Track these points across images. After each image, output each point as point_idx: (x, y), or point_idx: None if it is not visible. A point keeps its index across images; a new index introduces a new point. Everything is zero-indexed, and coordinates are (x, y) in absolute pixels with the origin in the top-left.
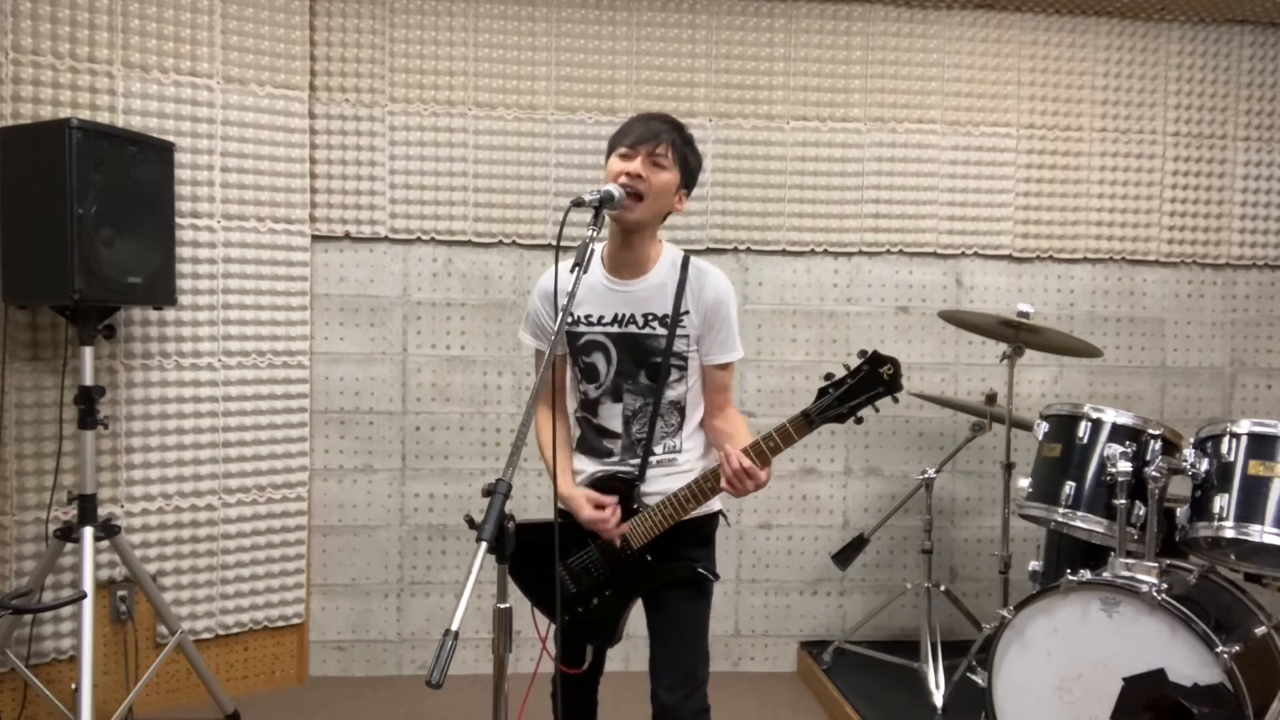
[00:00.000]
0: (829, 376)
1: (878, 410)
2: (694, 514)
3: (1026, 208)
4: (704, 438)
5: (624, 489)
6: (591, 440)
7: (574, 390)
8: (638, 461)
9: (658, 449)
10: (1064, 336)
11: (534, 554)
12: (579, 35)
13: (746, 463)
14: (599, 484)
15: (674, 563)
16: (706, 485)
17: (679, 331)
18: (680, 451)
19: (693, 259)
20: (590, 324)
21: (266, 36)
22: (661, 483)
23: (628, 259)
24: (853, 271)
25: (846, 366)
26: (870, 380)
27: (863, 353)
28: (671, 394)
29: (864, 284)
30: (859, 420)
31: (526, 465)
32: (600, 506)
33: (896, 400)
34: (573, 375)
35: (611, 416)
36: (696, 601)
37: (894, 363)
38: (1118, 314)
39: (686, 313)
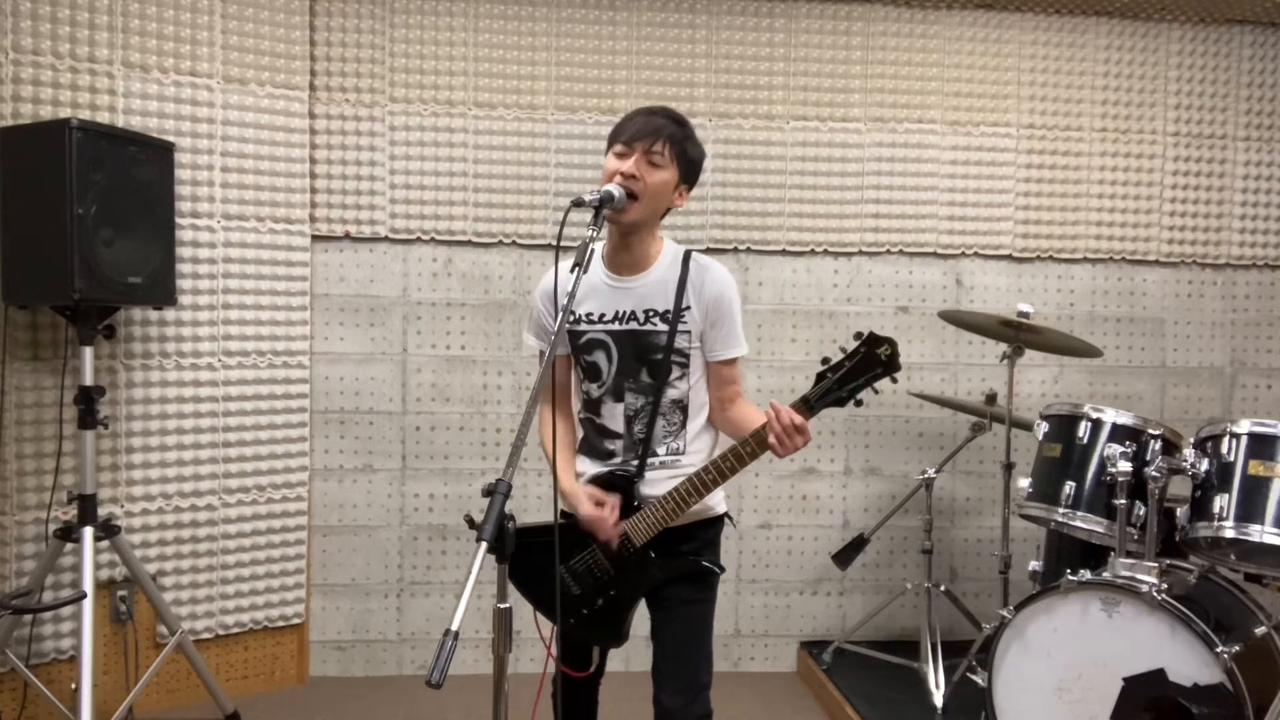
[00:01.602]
0: (825, 360)
1: (877, 392)
2: (698, 516)
3: (1026, 208)
4: (709, 441)
5: (624, 487)
6: (594, 441)
7: (578, 391)
8: (638, 463)
9: (659, 449)
10: (1064, 336)
11: (534, 557)
12: (579, 35)
13: (798, 418)
14: (598, 482)
15: (677, 557)
16: (708, 477)
17: (680, 327)
18: (684, 453)
19: (694, 254)
20: (591, 322)
21: (266, 36)
22: (663, 485)
23: (628, 258)
24: (853, 271)
25: (843, 349)
26: (868, 362)
27: (858, 334)
28: (673, 392)
29: (864, 284)
30: (859, 403)
31: (526, 465)
32: (600, 503)
33: (895, 380)
34: (576, 376)
35: (614, 416)
36: (700, 605)
37: (890, 343)
38: (1118, 314)
39: (688, 308)
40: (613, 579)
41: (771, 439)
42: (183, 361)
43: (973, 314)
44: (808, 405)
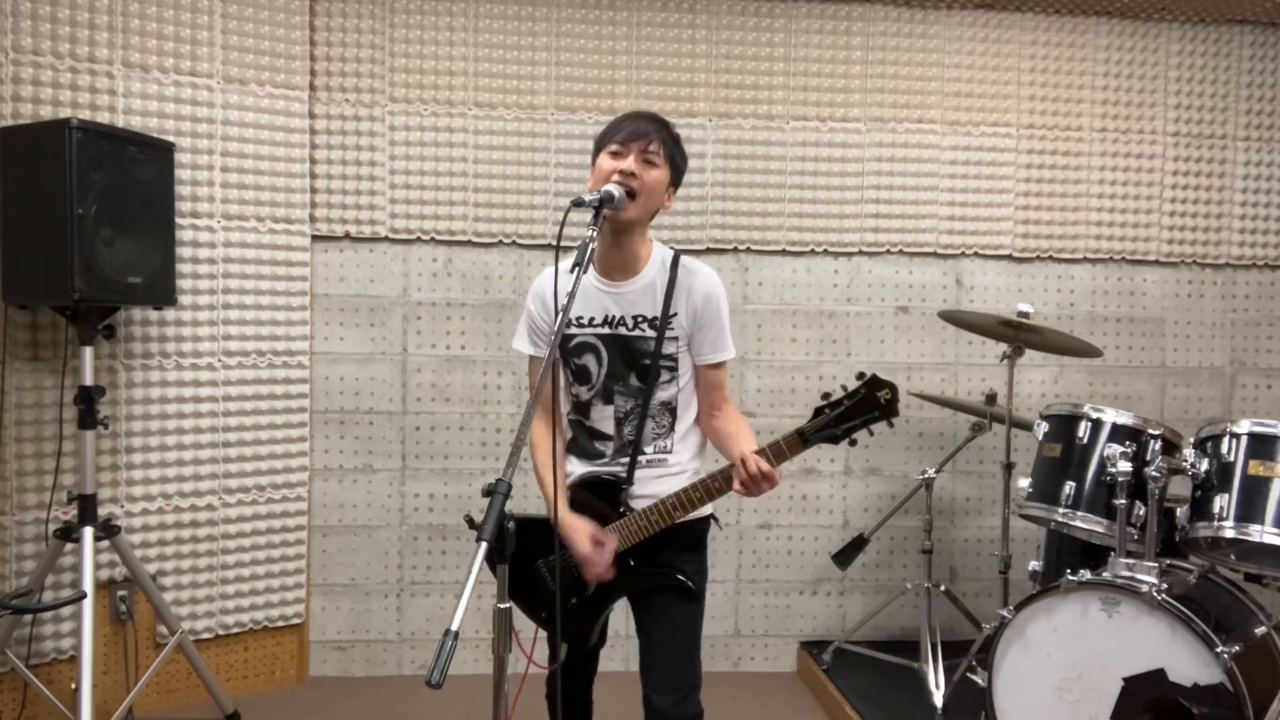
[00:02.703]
0: (826, 396)
1: (873, 434)
2: (683, 519)
3: (1026, 208)
4: (697, 439)
5: (611, 492)
6: (583, 442)
7: (566, 394)
8: (627, 462)
9: (647, 449)
10: (1064, 336)
11: (519, 551)
12: (579, 35)
13: (765, 467)
14: (586, 485)
15: (655, 568)
16: (695, 495)
17: (668, 333)
18: (671, 453)
19: (683, 258)
20: (581, 325)
21: (266, 36)
22: (651, 485)
23: (618, 259)
24: (853, 271)
25: (844, 387)
26: (866, 404)
27: (861, 375)
28: (662, 395)
29: (864, 284)
30: (853, 443)
31: (526, 465)
32: (598, 544)
33: (892, 425)
34: (565, 378)
35: (603, 418)
36: (685, 605)
37: (892, 388)
38: (1118, 314)
39: (675, 314)
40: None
41: (737, 485)
42: (183, 361)
43: (973, 314)
44: (802, 439)
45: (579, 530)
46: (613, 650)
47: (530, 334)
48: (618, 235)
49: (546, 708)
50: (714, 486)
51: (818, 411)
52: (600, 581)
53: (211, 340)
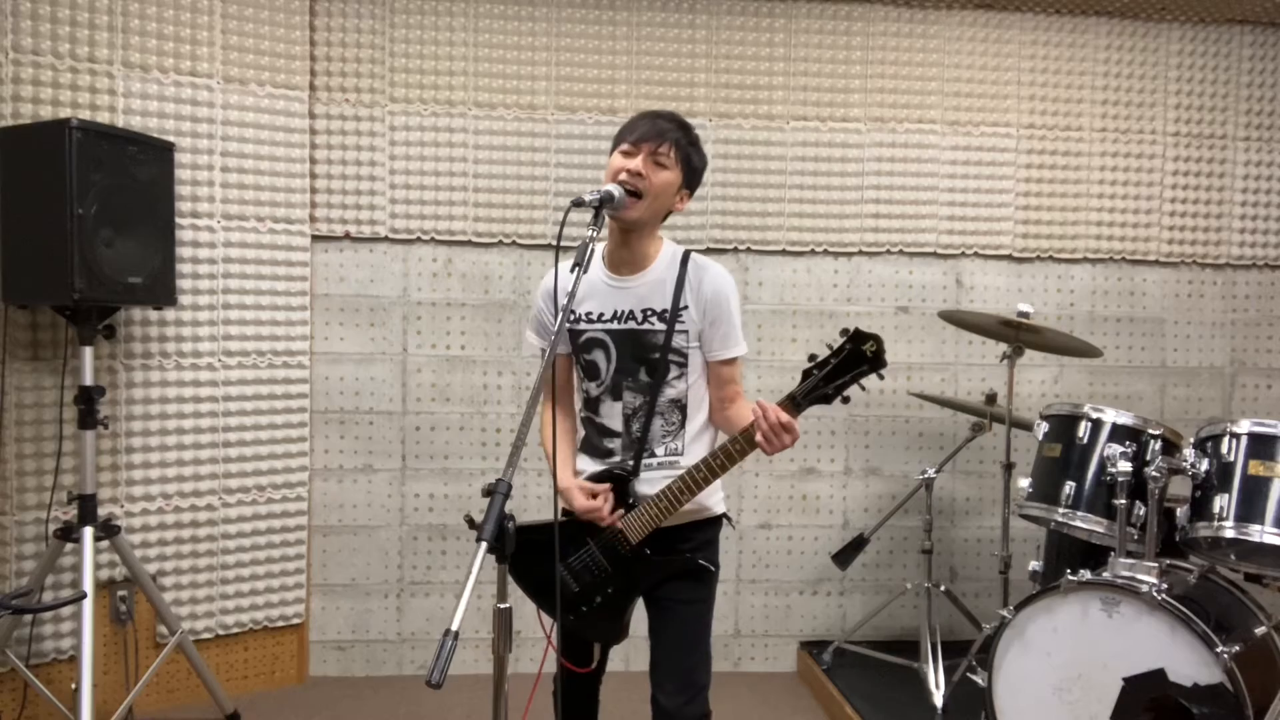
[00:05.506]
0: (812, 358)
1: (864, 389)
2: (695, 516)
3: (1026, 208)
4: (708, 442)
5: (619, 484)
6: (594, 440)
7: (579, 390)
8: (634, 460)
9: (659, 449)
10: (1064, 336)
11: (535, 555)
12: (579, 35)
13: (784, 417)
14: (595, 480)
15: (672, 555)
16: (699, 475)
17: (678, 327)
18: (682, 454)
19: (693, 255)
20: (590, 321)
21: (266, 36)
22: (660, 485)
23: (627, 256)
24: (853, 271)
25: (829, 346)
26: (854, 359)
27: (844, 331)
28: (671, 391)
29: (864, 284)
30: (846, 400)
31: (526, 465)
32: (593, 495)
33: (882, 377)
34: (577, 374)
35: (612, 415)
36: (697, 604)
37: (876, 339)
38: (1118, 314)
39: (685, 308)
40: (610, 576)
41: (759, 438)
42: (183, 361)
43: (973, 314)
44: (794, 403)
45: (573, 491)
46: (614, 650)
47: (539, 331)
48: (626, 234)
49: (552, 705)
50: (735, 449)
51: (806, 374)
52: (611, 528)
53: (211, 340)
